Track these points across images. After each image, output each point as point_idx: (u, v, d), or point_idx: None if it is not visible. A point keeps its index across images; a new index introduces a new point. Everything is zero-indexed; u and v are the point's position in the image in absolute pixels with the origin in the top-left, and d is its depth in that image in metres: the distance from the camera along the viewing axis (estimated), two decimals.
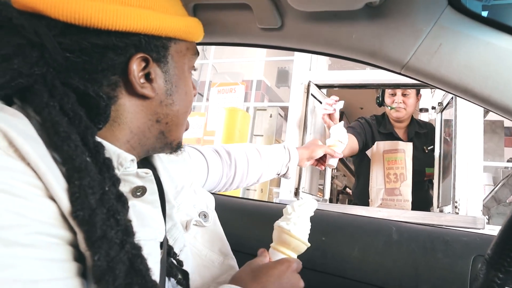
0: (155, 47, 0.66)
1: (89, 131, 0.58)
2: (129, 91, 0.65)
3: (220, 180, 1.17)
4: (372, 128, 2.43)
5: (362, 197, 2.38)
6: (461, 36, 0.71)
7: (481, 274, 0.70)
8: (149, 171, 0.69)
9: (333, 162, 1.50)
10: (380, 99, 2.46)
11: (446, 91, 0.78)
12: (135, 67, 0.64)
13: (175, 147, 0.76)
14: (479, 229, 1.80)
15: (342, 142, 1.52)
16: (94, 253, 0.49)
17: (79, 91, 0.60)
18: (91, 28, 0.60)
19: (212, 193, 1.04)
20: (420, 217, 1.88)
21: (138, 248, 0.54)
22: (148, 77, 0.67)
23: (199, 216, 0.83)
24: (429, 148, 2.34)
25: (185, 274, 0.75)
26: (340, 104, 1.68)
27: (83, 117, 0.58)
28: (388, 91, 2.39)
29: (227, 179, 1.19)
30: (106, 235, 0.50)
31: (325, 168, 1.76)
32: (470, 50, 0.72)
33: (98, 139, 0.60)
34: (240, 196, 4.24)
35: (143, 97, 0.67)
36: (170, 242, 0.74)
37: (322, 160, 1.51)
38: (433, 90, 2.65)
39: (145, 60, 0.65)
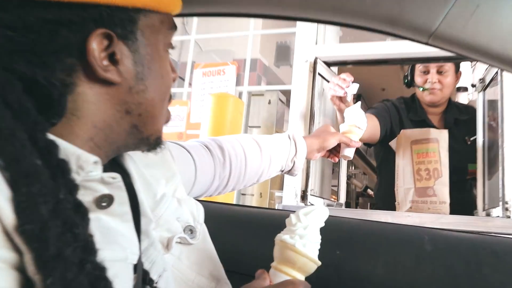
0: (119, 21, 0.66)
1: (38, 127, 0.57)
2: (90, 76, 0.65)
3: (211, 182, 1.17)
4: (400, 113, 2.42)
5: (386, 199, 2.38)
6: None
7: None
8: (118, 176, 0.68)
9: (349, 152, 1.50)
10: (409, 78, 2.45)
11: (486, 63, 0.78)
12: (95, 46, 0.63)
13: (152, 143, 0.76)
14: None
15: (360, 127, 1.51)
16: (47, 276, 0.49)
17: (26, 79, 0.59)
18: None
19: (200, 199, 1.04)
20: (461, 222, 1.88)
21: (101, 269, 0.54)
22: (112, 59, 0.66)
23: (184, 231, 0.83)
24: (472, 138, 2.32)
25: None
26: (354, 88, 1.68)
27: (31, 110, 0.57)
28: (418, 68, 2.38)
29: (220, 181, 1.19)
30: (61, 253, 0.50)
31: (339, 161, 1.76)
32: None
33: (51, 137, 0.60)
34: (234, 202, 4.24)
35: (108, 83, 0.66)
36: (146, 266, 0.73)
37: (335, 150, 1.51)
38: (473, 63, 2.65)
39: (107, 37, 0.64)
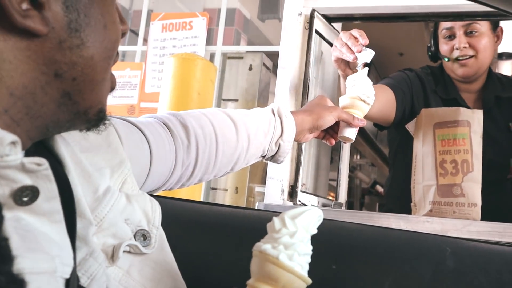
0: None
1: None
2: (4, 25, 0.64)
3: (171, 172, 1.17)
4: (425, 88, 2.40)
5: (400, 199, 2.41)
6: None
7: None
8: (44, 162, 0.68)
9: (350, 133, 1.50)
10: (433, 48, 2.43)
11: None
12: None
13: (93, 118, 0.76)
14: None
15: (366, 101, 1.52)
16: None
17: None
18: None
19: (156, 195, 1.04)
20: (495, 231, 1.90)
21: (19, 283, 0.54)
22: (34, 2, 0.65)
23: (134, 237, 0.84)
24: None
25: None
26: (368, 56, 1.67)
27: None
28: (442, 32, 2.36)
29: (183, 170, 1.20)
30: None
31: (339, 148, 1.76)
32: None
33: None
34: (202, 199, 4.27)
35: (30, 34, 0.66)
36: (83, 282, 0.73)
37: (332, 130, 1.52)
38: None
39: None
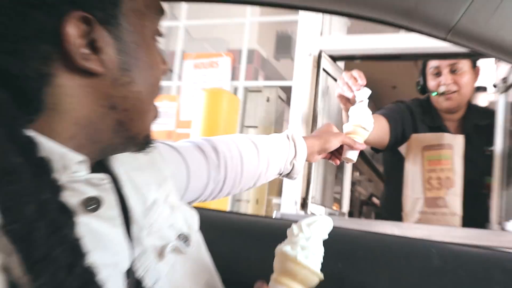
0: (99, 3, 0.66)
1: (16, 122, 0.58)
2: (68, 66, 0.65)
3: (205, 187, 1.17)
4: (414, 118, 2.39)
5: (393, 209, 2.39)
6: None
7: None
8: (106, 177, 0.69)
9: (352, 155, 1.50)
10: (422, 82, 2.43)
11: (510, 62, 0.79)
12: (72, 31, 0.63)
13: (141, 142, 0.77)
14: None
15: (365, 128, 1.52)
16: (36, 278, 0.50)
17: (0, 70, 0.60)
18: None
19: (194, 206, 1.05)
20: (473, 236, 1.90)
21: (91, 273, 0.55)
22: (93, 46, 0.66)
23: (177, 239, 0.83)
24: (491, 149, 2.27)
25: None
26: (365, 94, 1.68)
27: (7, 104, 0.58)
28: (430, 70, 2.35)
29: (215, 185, 1.19)
30: (50, 255, 0.51)
31: (342, 166, 1.76)
32: None
33: (31, 133, 0.60)
34: (228, 209, 4.25)
35: (89, 74, 0.66)
36: (139, 274, 0.74)
37: (337, 152, 1.52)
38: (496, 61, 2.64)
39: (86, 21, 0.64)
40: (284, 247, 0.80)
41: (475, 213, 2.20)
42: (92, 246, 0.59)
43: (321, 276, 0.80)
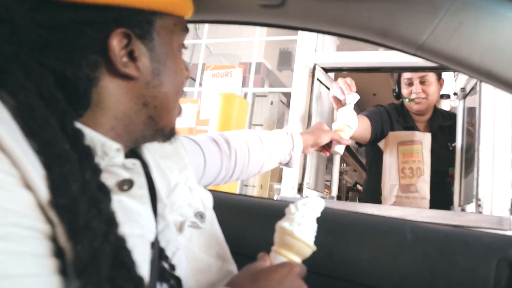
0: (137, 22, 0.67)
1: (67, 116, 0.59)
2: (111, 71, 0.66)
3: (219, 173, 1.18)
4: (391, 118, 2.41)
5: (373, 194, 2.39)
6: (485, 12, 0.72)
7: (505, 278, 0.71)
8: (137, 162, 0.70)
9: (339, 149, 1.51)
10: (397, 90, 2.45)
11: (467, 74, 0.79)
12: (116, 43, 0.65)
13: (167, 134, 0.78)
14: (506, 230, 1.80)
15: (351, 127, 1.53)
16: (76, 244, 0.51)
17: (57, 73, 0.61)
18: (66, 2, 0.61)
19: (209, 189, 1.05)
20: (439, 216, 1.89)
21: (122, 240, 0.56)
22: (131, 56, 0.68)
23: (195, 216, 0.84)
24: (454, 144, 2.31)
25: (178, 280, 0.76)
26: (354, 98, 1.68)
27: (61, 101, 0.59)
28: (403, 81, 2.38)
29: (226, 172, 1.20)
30: (89, 225, 0.52)
31: (332, 157, 1.76)
32: (494, 28, 0.72)
33: (78, 125, 0.62)
34: (238, 192, 4.25)
35: (127, 78, 0.68)
36: (162, 244, 0.75)
37: (327, 146, 1.52)
38: (455, 74, 2.64)
39: (127, 36, 0.66)
40: (283, 223, 0.80)
41: (441, 197, 2.21)
42: (124, 219, 0.60)
43: (314, 248, 0.80)
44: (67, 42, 0.62)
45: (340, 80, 1.73)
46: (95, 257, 0.51)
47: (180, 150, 0.94)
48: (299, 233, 0.78)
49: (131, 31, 0.66)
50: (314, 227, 0.81)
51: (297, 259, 0.79)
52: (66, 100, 0.61)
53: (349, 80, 1.72)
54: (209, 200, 0.91)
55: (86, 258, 0.50)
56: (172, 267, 0.75)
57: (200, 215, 0.85)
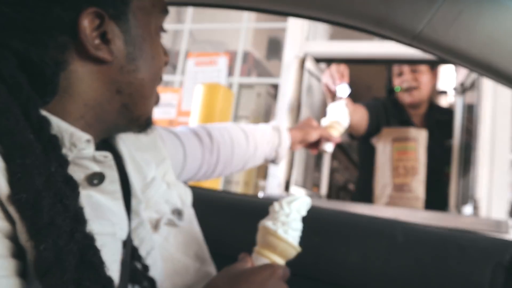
0: (111, 1, 0.67)
1: (31, 102, 0.58)
2: (82, 54, 0.66)
3: (199, 168, 1.17)
4: (387, 112, 2.43)
5: (365, 193, 2.40)
6: (486, 1, 0.72)
7: (500, 284, 0.72)
8: (109, 154, 0.69)
9: (328, 147, 1.50)
10: (388, 84, 2.46)
11: (465, 67, 0.79)
12: (87, 24, 0.64)
13: (143, 124, 0.77)
14: (503, 233, 1.82)
15: (341, 124, 1.52)
16: (40, 243, 0.50)
17: (20, 56, 0.60)
18: None
19: (189, 185, 1.04)
20: (433, 218, 1.91)
21: (90, 239, 0.55)
22: (104, 38, 0.67)
23: (172, 214, 0.83)
24: (450, 142, 2.33)
25: (152, 282, 0.75)
26: (344, 89, 1.68)
27: (24, 86, 0.59)
28: (395, 71, 2.39)
29: (208, 167, 1.20)
30: (53, 222, 0.51)
31: (321, 154, 1.76)
32: (495, 18, 0.72)
33: (44, 113, 0.61)
34: (220, 189, 4.24)
35: (99, 61, 0.67)
36: (135, 243, 0.74)
37: (316, 143, 1.52)
38: (456, 67, 2.66)
39: (99, 16, 0.65)
40: (266, 222, 0.80)
41: (435, 198, 2.22)
42: (93, 216, 0.60)
43: (299, 249, 0.80)
44: (32, 22, 0.61)
45: (333, 67, 1.73)
46: (59, 257, 0.50)
47: (158, 143, 0.93)
48: (283, 233, 0.78)
49: (104, 11, 0.65)
50: (299, 227, 0.81)
51: (281, 261, 0.79)
52: (31, 86, 0.60)
53: (343, 68, 1.73)
54: (188, 197, 0.91)
55: (50, 258, 0.50)
56: (146, 268, 0.74)
57: (178, 212, 0.85)
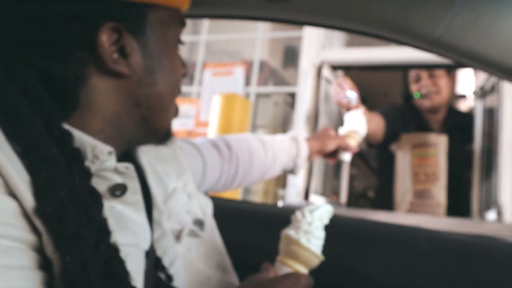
0: (129, 15, 0.67)
1: (53, 117, 0.59)
2: (100, 69, 0.66)
3: (219, 179, 1.18)
4: (405, 118, 2.41)
5: (385, 200, 2.38)
6: (505, 5, 0.71)
7: None
8: (130, 166, 0.69)
9: (346, 157, 1.49)
10: (405, 91, 2.45)
11: (485, 71, 0.79)
12: (105, 39, 0.64)
13: (162, 136, 0.77)
14: None
15: (359, 133, 1.51)
16: (65, 255, 0.50)
17: (42, 71, 0.61)
18: None
19: (209, 195, 1.05)
20: (456, 224, 1.88)
21: (114, 250, 0.56)
22: (122, 52, 0.67)
23: (193, 224, 0.83)
24: (471, 147, 2.31)
25: None
26: (352, 95, 1.68)
27: (46, 101, 0.59)
28: (411, 77, 2.37)
29: (227, 178, 1.20)
30: (78, 234, 0.52)
31: (340, 162, 1.76)
32: None
33: (66, 126, 0.61)
34: (240, 199, 4.25)
35: (118, 75, 0.67)
36: (159, 253, 0.74)
37: (334, 153, 1.52)
38: (475, 71, 2.64)
39: (117, 31, 0.66)
40: (289, 231, 0.79)
41: (457, 204, 2.20)
42: (116, 227, 0.60)
43: (322, 258, 0.79)
44: (52, 38, 0.62)
45: (335, 82, 1.75)
46: (85, 269, 0.51)
47: (178, 154, 0.93)
48: (306, 242, 0.77)
49: (122, 25, 0.66)
50: (321, 235, 0.80)
51: (304, 270, 0.78)
52: (52, 100, 0.60)
53: (340, 80, 1.75)
54: (209, 207, 0.90)
55: (76, 270, 0.50)
56: (170, 278, 0.74)
57: (199, 223, 0.84)
